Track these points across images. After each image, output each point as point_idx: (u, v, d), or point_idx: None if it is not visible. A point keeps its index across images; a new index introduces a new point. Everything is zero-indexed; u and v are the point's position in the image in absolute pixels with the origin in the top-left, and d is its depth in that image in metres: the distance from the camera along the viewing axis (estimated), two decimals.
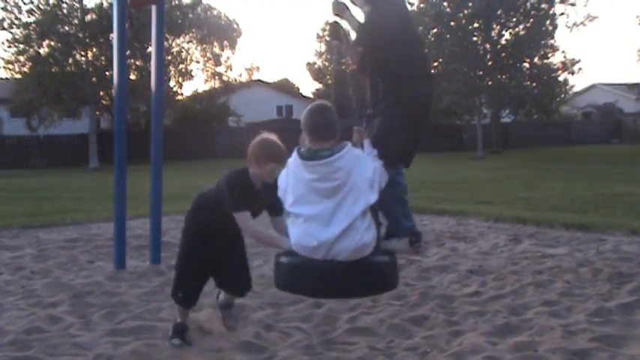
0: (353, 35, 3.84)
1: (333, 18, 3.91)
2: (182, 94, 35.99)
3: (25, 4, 28.88)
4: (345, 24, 3.91)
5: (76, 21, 29.55)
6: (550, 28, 31.56)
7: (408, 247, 3.58)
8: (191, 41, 35.52)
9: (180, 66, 33.55)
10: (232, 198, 3.39)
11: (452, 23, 30.95)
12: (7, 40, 29.11)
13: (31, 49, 29.20)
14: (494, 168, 20.48)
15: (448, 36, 30.96)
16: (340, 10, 3.81)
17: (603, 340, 3.63)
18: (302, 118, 3.24)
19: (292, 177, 3.15)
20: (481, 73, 31.32)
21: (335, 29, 3.95)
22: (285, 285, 3.33)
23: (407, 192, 3.70)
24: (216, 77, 38.42)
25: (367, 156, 3.26)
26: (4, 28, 28.87)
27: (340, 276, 3.07)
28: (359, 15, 3.84)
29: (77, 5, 29.64)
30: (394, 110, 3.57)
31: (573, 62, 32.71)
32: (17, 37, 29.05)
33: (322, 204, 3.04)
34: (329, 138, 3.14)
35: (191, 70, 35.25)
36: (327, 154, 3.06)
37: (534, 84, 32.17)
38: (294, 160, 3.17)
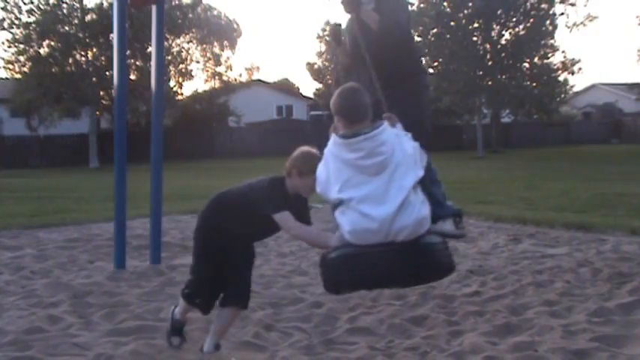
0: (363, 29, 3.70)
1: (337, 19, 3.91)
2: (182, 94, 36.03)
3: (25, 4, 28.93)
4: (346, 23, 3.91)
5: (76, 21, 29.57)
6: (550, 28, 31.57)
7: (455, 228, 3.61)
8: (191, 41, 35.54)
9: (180, 66, 33.58)
10: (273, 200, 3.28)
11: (452, 23, 30.96)
12: (7, 40, 29.17)
13: (31, 49, 29.23)
14: (494, 168, 20.48)
15: (448, 36, 30.98)
16: (354, 5, 3.69)
17: (603, 340, 3.63)
18: (333, 103, 3.11)
19: (333, 163, 3.00)
20: (481, 73, 31.33)
21: (337, 31, 3.94)
22: (342, 282, 3.06)
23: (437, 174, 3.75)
24: (216, 77, 38.43)
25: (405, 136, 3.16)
26: (4, 28, 28.91)
27: (403, 258, 2.93)
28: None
29: (77, 5, 29.67)
30: (410, 100, 3.64)
31: (573, 62, 32.76)
32: (17, 37, 29.09)
33: (372, 182, 2.91)
34: (364, 119, 3.04)
35: (191, 70, 35.31)
36: (369, 130, 2.97)
37: (534, 84, 32.20)
38: (333, 144, 3.04)
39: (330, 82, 46.32)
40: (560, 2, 31.49)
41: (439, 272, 3.16)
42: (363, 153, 2.94)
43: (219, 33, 36.68)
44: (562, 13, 31.86)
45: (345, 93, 3.12)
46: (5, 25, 28.87)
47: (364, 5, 3.75)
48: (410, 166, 2.98)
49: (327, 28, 46.04)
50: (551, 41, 32.37)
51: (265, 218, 3.29)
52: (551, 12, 31.52)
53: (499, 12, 30.80)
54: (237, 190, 3.50)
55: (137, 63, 29.94)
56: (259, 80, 46.75)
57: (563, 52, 36.18)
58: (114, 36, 6.03)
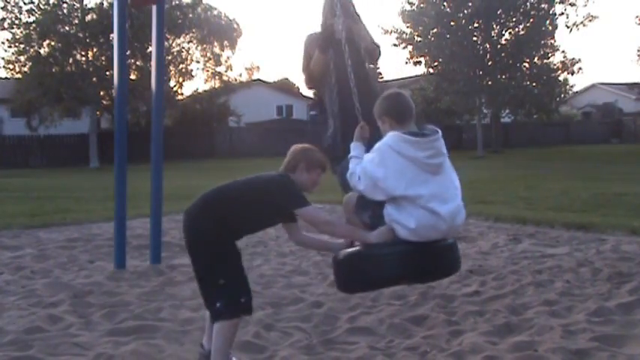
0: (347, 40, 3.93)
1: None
2: (182, 94, 36.03)
3: (25, 4, 28.93)
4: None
5: (76, 21, 29.58)
6: (550, 28, 31.55)
7: None
8: (191, 41, 35.52)
9: (181, 66, 33.58)
10: (298, 194, 3.19)
11: (452, 23, 30.94)
12: (8, 40, 29.16)
13: (32, 49, 29.24)
14: (494, 168, 20.48)
15: (448, 36, 30.96)
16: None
17: (603, 339, 3.63)
18: (381, 105, 3.21)
19: (394, 160, 2.98)
20: (481, 73, 31.32)
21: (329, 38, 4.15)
22: (384, 277, 3.07)
23: None
24: (217, 77, 38.42)
25: None
26: (4, 28, 28.91)
27: (439, 255, 3.13)
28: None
29: (77, 5, 29.67)
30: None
31: (573, 62, 32.71)
32: (17, 37, 29.08)
33: (434, 181, 3.02)
34: (412, 119, 3.18)
35: (191, 70, 35.29)
36: (433, 130, 3.10)
37: (534, 84, 32.17)
38: (397, 141, 3.00)
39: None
40: (560, 2, 31.47)
41: (455, 270, 3.31)
42: (433, 152, 3.03)
43: (220, 33, 36.66)
44: (562, 13, 31.85)
45: (394, 95, 3.25)
46: (5, 25, 28.88)
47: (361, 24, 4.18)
48: (452, 167, 3.20)
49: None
50: (551, 41, 32.34)
51: (270, 215, 3.26)
52: (551, 12, 31.49)
53: (499, 12, 30.79)
54: (244, 185, 3.30)
55: (137, 63, 29.94)
56: (259, 80, 46.73)
57: (563, 52, 36.12)
58: (114, 36, 6.04)
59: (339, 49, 3.91)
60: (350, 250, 3.15)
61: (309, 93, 51.65)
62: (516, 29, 31.74)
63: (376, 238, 3.04)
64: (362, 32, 4.23)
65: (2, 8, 28.69)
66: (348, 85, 3.81)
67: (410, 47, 32.59)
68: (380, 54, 4.44)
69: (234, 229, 3.26)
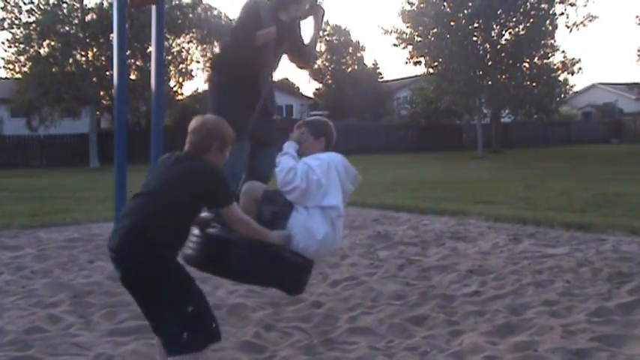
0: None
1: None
2: (182, 94, 36.00)
3: (25, 4, 28.89)
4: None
5: (76, 21, 29.56)
6: (550, 28, 31.53)
7: None
8: (191, 41, 35.50)
9: (181, 66, 33.54)
10: (228, 188, 2.96)
11: (452, 23, 30.93)
12: (7, 40, 29.12)
13: (32, 49, 29.21)
14: (494, 168, 20.48)
15: (448, 36, 30.94)
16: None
17: (603, 339, 3.63)
18: (325, 129, 3.66)
19: (334, 175, 3.38)
20: (481, 73, 31.30)
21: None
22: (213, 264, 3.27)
23: None
24: None
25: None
26: (4, 28, 28.88)
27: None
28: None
29: (77, 5, 29.65)
30: None
31: (573, 62, 32.70)
32: (17, 37, 29.06)
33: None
34: None
35: (191, 70, 35.26)
36: None
37: (534, 84, 32.16)
38: (341, 161, 3.46)
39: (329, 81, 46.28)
40: (560, 2, 31.46)
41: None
42: (353, 179, 3.50)
43: (220, 33, 36.63)
44: (562, 13, 31.83)
45: (331, 126, 3.70)
46: (5, 25, 28.85)
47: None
48: None
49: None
50: (551, 41, 32.33)
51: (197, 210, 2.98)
52: (551, 12, 31.47)
53: (499, 12, 30.77)
54: (163, 193, 2.87)
55: (137, 63, 29.92)
56: None
57: (563, 52, 36.14)
58: (114, 36, 6.03)
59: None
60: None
61: (310, 93, 51.71)
62: (516, 29, 31.71)
63: (276, 239, 3.13)
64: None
65: (2, 8, 28.67)
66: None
67: (410, 47, 32.59)
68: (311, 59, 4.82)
69: (174, 245, 2.87)
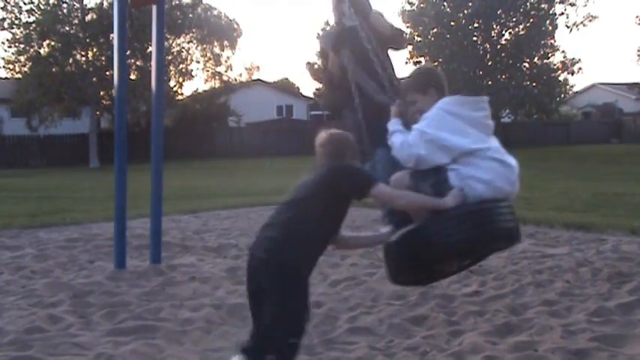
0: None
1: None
2: (182, 94, 36.02)
3: (25, 4, 28.93)
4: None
5: (76, 21, 29.59)
6: (550, 28, 31.56)
7: None
8: (191, 41, 35.52)
9: (181, 66, 33.58)
10: (363, 174, 3.03)
11: (452, 23, 30.95)
12: (8, 40, 29.17)
13: (32, 49, 29.24)
14: None
15: (448, 36, 30.97)
16: (366, 11, 3.98)
17: (603, 339, 3.63)
18: (424, 78, 3.26)
19: (452, 122, 2.98)
20: (481, 73, 31.32)
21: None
22: (450, 248, 2.89)
23: None
24: (217, 77, 38.42)
25: None
26: (4, 28, 28.91)
27: (507, 215, 2.97)
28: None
29: (77, 5, 29.69)
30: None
31: (573, 62, 32.72)
32: (17, 37, 29.08)
33: (492, 140, 3.10)
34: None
35: (191, 70, 35.29)
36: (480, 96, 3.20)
37: (534, 84, 32.18)
38: (452, 104, 3.04)
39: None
40: (560, 2, 31.49)
41: (519, 235, 3.13)
42: (488, 112, 3.13)
43: (220, 33, 36.66)
44: (562, 13, 31.86)
45: (433, 69, 3.53)
46: (5, 25, 28.88)
47: (373, 12, 3.92)
48: None
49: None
50: (551, 41, 32.35)
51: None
52: (551, 12, 31.51)
53: (499, 12, 30.80)
54: (306, 196, 2.94)
55: (137, 63, 29.95)
56: (259, 80, 46.73)
57: (563, 52, 36.12)
58: (114, 36, 6.03)
59: (354, 48, 3.78)
60: (404, 230, 2.98)
61: (310, 93, 51.71)
62: (516, 29, 31.75)
63: (452, 202, 2.85)
64: (378, 22, 3.97)
65: (2, 8, 28.70)
66: (367, 84, 3.83)
67: (410, 47, 32.60)
68: (405, 37, 4.28)
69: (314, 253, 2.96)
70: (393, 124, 3.20)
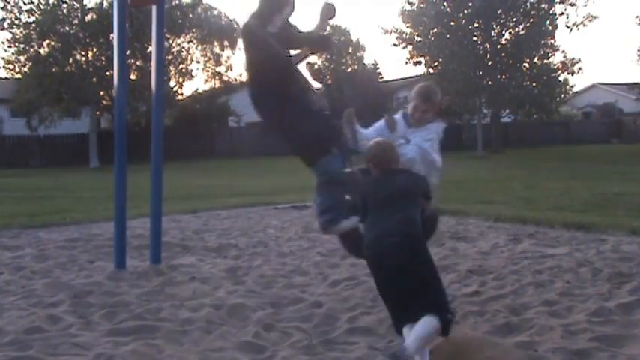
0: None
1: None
2: (182, 94, 36.04)
3: (25, 4, 28.95)
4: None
5: (76, 21, 29.60)
6: (550, 28, 31.57)
7: None
8: (191, 41, 35.55)
9: (181, 66, 33.61)
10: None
11: (452, 23, 30.96)
12: (7, 40, 29.19)
13: (32, 49, 29.27)
14: (494, 168, 20.49)
15: (448, 36, 30.99)
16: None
17: (603, 339, 3.63)
18: (439, 97, 4.46)
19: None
20: (481, 73, 31.34)
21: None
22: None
23: None
24: (217, 77, 38.44)
25: None
26: (4, 28, 28.93)
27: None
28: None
29: (77, 5, 29.70)
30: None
31: (573, 62, 32.73)
32: (17, 37, 29.10)
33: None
34: None
35: (191, 70, 35.31)
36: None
37: (534, 84, 32.19)
38: (442, 132, 4.42)
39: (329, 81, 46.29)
40: (560, 2, 31.50)
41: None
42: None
43: (220, 33, 36.68)
44: (562, 13, 31.87)
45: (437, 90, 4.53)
46: (5, 25, 28.90)
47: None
48: None
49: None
50: (551, 41, 32.36)
51: None
52: (551, 12, 31.52)
53: (499, 12, 30.81)
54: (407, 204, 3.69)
55: (137, 63, 29.97)
56: None
57: (563, 52, 36.16)
58: (114, 36, 6.03)
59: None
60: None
61: None
62: (516, 29, 31.77)
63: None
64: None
65: (2, 8, 28.72)
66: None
67: (410, 47, 32.62)
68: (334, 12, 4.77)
69: None
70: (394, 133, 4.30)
